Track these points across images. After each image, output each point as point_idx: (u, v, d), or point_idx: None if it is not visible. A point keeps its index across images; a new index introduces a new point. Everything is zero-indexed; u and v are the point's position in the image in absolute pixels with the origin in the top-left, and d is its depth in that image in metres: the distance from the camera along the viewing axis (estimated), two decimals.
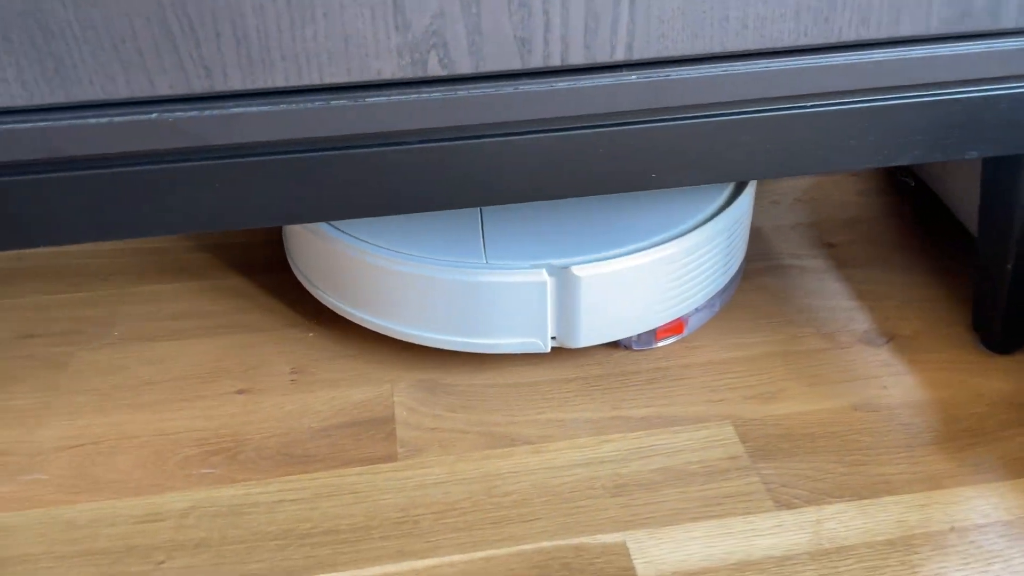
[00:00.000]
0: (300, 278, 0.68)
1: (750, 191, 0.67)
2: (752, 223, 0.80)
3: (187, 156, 0.46)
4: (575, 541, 0.50)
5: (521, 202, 0.51)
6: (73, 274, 0.75)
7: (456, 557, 0.50)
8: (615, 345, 0.65)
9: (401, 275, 0.60)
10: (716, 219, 0.63)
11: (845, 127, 0.51)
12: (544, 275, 0.58)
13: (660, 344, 0.65)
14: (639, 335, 0.64)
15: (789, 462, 0.55)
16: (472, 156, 0.48)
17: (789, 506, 0.52)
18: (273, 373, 0.63)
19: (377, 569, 0.49)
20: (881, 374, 0.62)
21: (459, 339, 0.61)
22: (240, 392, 0.62)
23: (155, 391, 0.62)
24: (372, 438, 0.58)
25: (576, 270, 0.58)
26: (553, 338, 0.61)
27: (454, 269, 0.59)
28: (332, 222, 0.62)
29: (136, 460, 0.56)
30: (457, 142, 0.47)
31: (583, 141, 0.48)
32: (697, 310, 0.65)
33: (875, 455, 0.56)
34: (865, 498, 0.53)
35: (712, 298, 0.66)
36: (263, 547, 0.50)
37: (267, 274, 0.73)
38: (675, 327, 0.65)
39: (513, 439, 0.58)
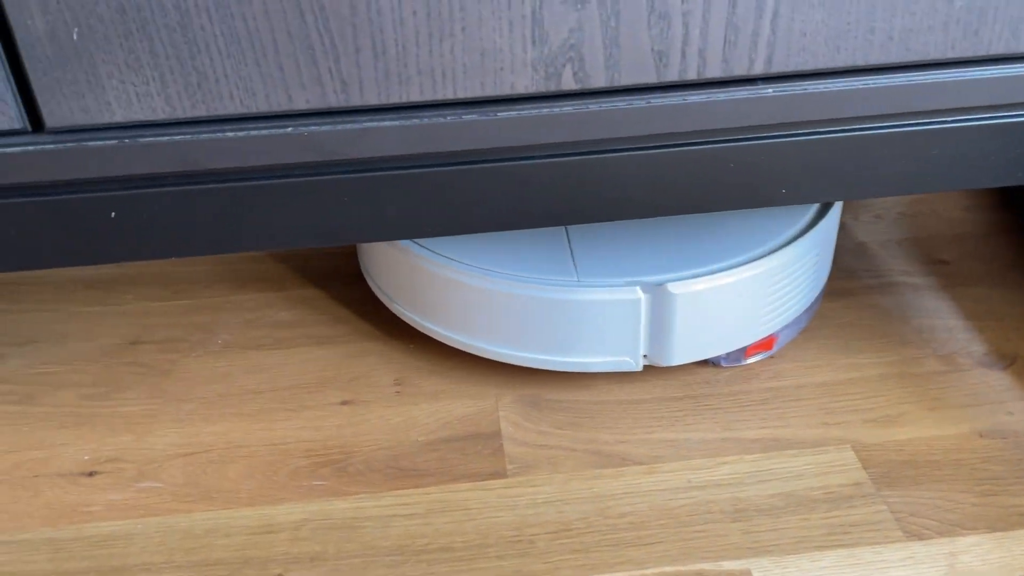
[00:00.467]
0: (379, 295, 0.68)
1: (838, 206, 0.66)
2: (856, 238, 0.77)
3: (318, 170, 0.46)
4: (697, 567, 0.49)
5: (649, 217, 0.50)
6: (174, 282, 0.76)
7: None
8: (704, 362, 0.63)
9: (489, 293, 0.59)
10: (809, 234, 0.62)
11: (986, 142, 0.49)
12: (638, 292, 0.57)
13: (749, 361, 0.64)
14: (729, 352, 0.62)
15: (916, 490, 0.53)
16: (601, 170, 0.47)
17: (920, 537, 0.50)
18: (376, 384, 0.63)
19: None
20: (1005, 399, 0.60)
21: (548, 357, 0.60)
22: (344, 403, 0.62)
23: (260, 400, 0.62)
24: (480, 453, 0.57)
25: (671, 287, 0.57)
26: (644, 356, 0.60)
27: (545, 287, 0.58)
28: (417, 240, 0.62)
29: (246, 470, 0.57)
30: (586, 156, 0.46)
31: (713, 155, 0.47)
32: (786, 327, 0.63)
33: (1007, 485, 0.53)
34: (1000, 530, 0.50)
35: (800, 315, 0.64)
36: (379, 562, 0.50)
37: (363, 285, 0.74)
38: (765, 344, 0.63)
39: (623, 458, 0.56)
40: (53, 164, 0.43)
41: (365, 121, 0.44)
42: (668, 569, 0.49)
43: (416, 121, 0.44)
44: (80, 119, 0.42)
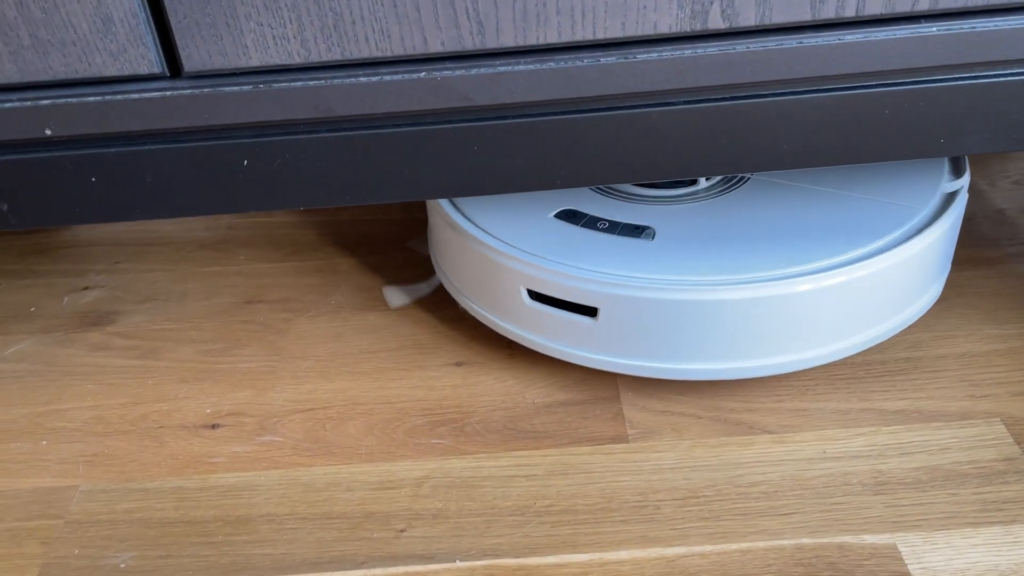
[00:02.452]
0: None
1: (967, 175, 0.60)
2: (995, 205, 0.72)
3: (448, 118, 0.44)
4: (838, 540, 0.46)
5: (795, 167, 0.47)
6: (285, 244, 0.76)
7: (707, 548, 0.47)
8: None
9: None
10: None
11: None
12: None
13: None
14: None
15: None
16: (745, 117, 0.44)
17: None
18: (489, 347, 0.62)
19: (623, 554, 0.47)
20: None
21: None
22: (458, 364, 0.61)
23: (374, 360, 0.62)
24: (599, 417, 0.56)
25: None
26: None
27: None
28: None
29: (364, 427, 0.56)
30: (730, 102, 0.44)
31: (868, 101, 0.44)
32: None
33: None
34: None
35: None
36: (501, 521, 0.49)
37: None
38: None
39: (751, 427, 0.54)
40: (189, 110, 0.43)
41: (499, 65, 0.43)
42: (807, 541, 0.46)
43: (552, 65, 0.43)
44: (217, 63, 0.42)
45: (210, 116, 0.44)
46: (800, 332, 0.53)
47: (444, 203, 0.60)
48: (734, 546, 0.47)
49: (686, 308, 0.52)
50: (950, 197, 0.58)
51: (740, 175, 0.61)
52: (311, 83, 0.43)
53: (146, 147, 0.45)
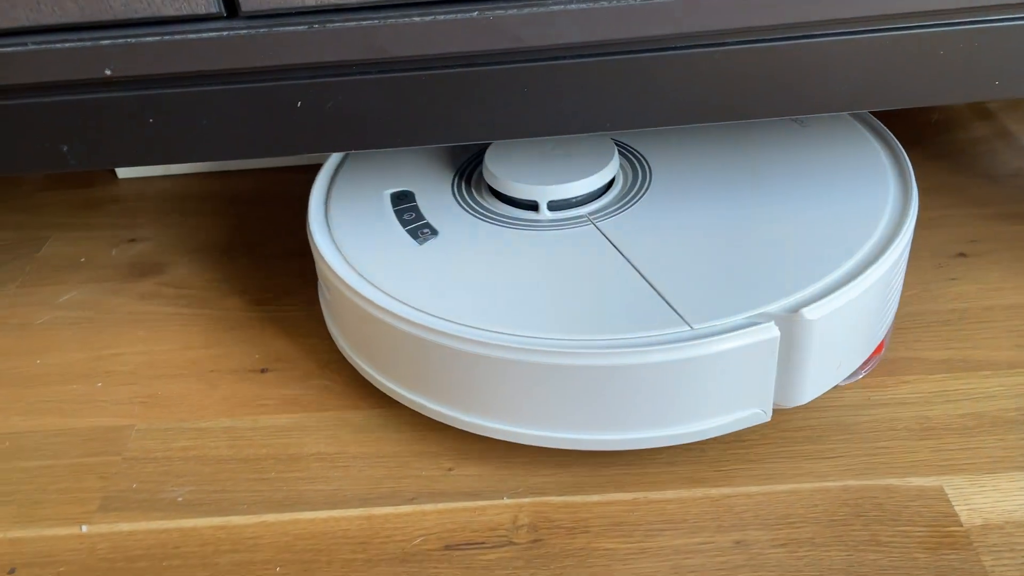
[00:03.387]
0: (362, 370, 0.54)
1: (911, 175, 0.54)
2: None
3: (500, 59, 0.45)
4: (884, 482, 0.47)
5: (856, 109, 0.46)
6: None
7: (753, 488, 0.47)
8: None
9: (569, 370, 0.44)
10: (911, 210, 0.50)
11: None
12: (775, 329, 0.44)
13: (864, 374, 0.53)
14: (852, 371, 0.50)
15: None
16: (802, 57, 0.44)
17: None
18: None
19: (669, 493, 0.47)
20: None
21: (649, 435, 0.46)
22: None
23: None
24: None
25: (807, 313, 0.44)
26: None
27: (652, 349, 0.43)
28: (428, 309, 0.48)
29: None
30: (785, 42, 0.44)
31: (923, 40, 0.43)
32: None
33: None
34: None
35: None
36: (546, 462, 0.50)
37: None
38: (878, 348, 0.52)
39: None
40: (245, 50, 0.44)
41: (552, 5, 0.43)
42: (853, 483, 0.47)
43: (605, 4, 0.43)
44: (274, 3, 0.43)
45: (265, 57, 0.44)
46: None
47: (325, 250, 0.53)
48: (780, 487, 0.47)
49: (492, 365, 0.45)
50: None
51: (634, 197, 0.54)
52: (365, 23, 0.43)
53: (202, 88, 0.46)
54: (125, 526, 0.48)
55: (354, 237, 0.54)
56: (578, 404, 0.46)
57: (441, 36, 0.44)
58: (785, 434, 0.50)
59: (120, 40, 0.44)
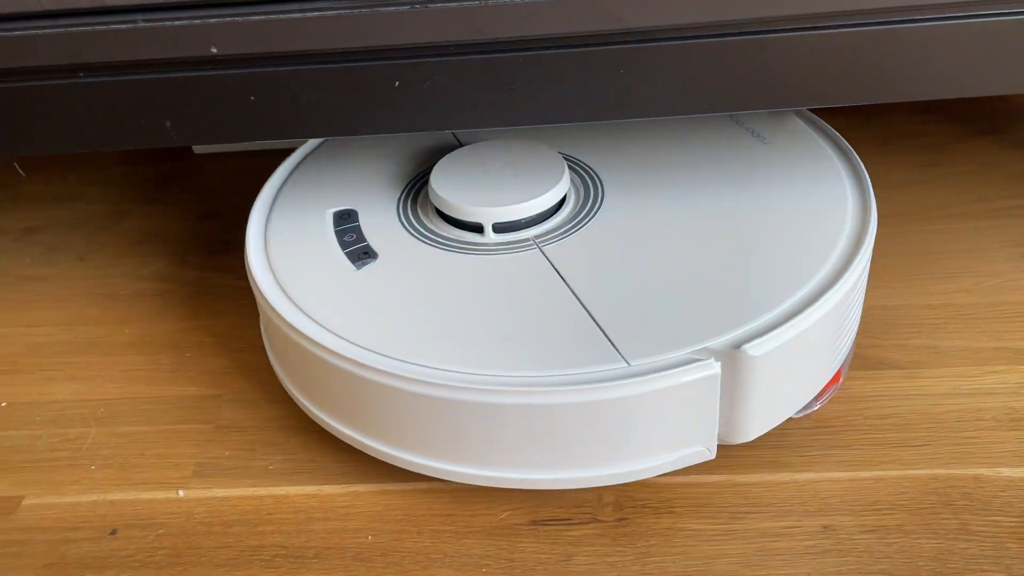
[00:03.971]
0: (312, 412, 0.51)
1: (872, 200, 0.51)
2: None
3: (599, 40, 0.45)
4: (973, 472, 0.46)
5: (923, 97, 0.45)
6: None
7: (838, 474, 0.47)
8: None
9: (503, 409, 0.42)
10: (867, 239, 0.48)
11: None
12: (715, 366, 0.42)
13: (819, 405, 0.50)
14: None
15: None
16: (901, 42, 0.44)
17: None
18: None
19: (754, 477, 0.48)
20: None
21: (589, 473, 0.44)
22: None
23: None
24: None
25: (750, 349, 0.42)
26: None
27: (586, 387, 0.41)
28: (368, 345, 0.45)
29: None
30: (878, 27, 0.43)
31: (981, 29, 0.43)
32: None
33: None
34: None
35: None
36: None
37: None
38: (835, 377, 0.50)
39: (879, 362, 0.54)
40: (347, 30, 0.45)
41: None
42: (941, 472, 0.47)
43: None
44: None
45: (366, 37, 0.45)
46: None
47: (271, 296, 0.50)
48: (866, 474, 0.47)
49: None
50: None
51: (584, 219, 0.52)
52: (466, 4, 0.44)
53: (304, 67, 0.46)
54: (220, 492, 0.50)
55: (290, 258, 0.52)
56: (508, 442, 0.44)
57: (542, 17, 0.44)
58: (869, 421, 0.50)
59: (227, 19, 0.45)
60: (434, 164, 0.55)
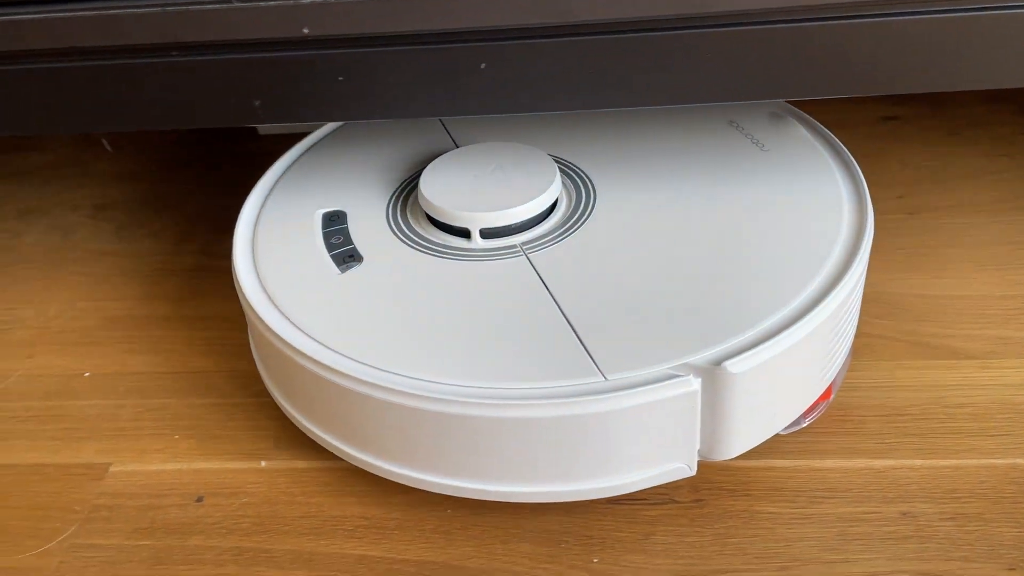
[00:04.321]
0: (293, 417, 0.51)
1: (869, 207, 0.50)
2: None
3: (685, 24, 0.45)
4: None
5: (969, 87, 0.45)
6: None
7: (917, 462, 0.47)
8: None
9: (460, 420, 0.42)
10: (860, 252, 0.46)
11: None
12: (694, 382, 0.41)
13: (808, 421, 0.49)
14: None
15: None
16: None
17: None
18: None
19: (829, 462, 0.48)
20: None
21: (567, 488, 0.44)
22: None
23: None
24: None
25: (730, 366, 0.41)
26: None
27: (560, 401, 0.41)
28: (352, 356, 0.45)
29: None
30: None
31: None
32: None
33: None
34: None
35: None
36: None
37: None
38: (825, 394, 0.49)
39: (954, 352, 0.54)
40: (434, 12, 0.45)
41: None
42: (1021, 462, 0.47)
43: None
44: None
45: (454, 19, 0.46)
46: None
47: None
48: (944, 462, 0.47)
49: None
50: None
51: (574, 226, 0.51)
52: None
53: (391, 48, 0.47)
54: (301, 463, 0.51)
55: (275, 258, 0.52)
56: (480, 455, 0.43)
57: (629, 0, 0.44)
58: (946, 410, 0.50)
59: (319, 0, 0.46)
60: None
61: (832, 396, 0.50)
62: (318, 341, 0.46)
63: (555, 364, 0.43)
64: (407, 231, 0.53)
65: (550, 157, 0.54)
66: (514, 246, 0.50)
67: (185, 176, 0.81)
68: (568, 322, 0.45)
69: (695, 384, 0.41)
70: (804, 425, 0.49)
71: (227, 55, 0.48)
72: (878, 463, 0.48)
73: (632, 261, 0.48)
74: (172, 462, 0.52)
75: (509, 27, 0.46)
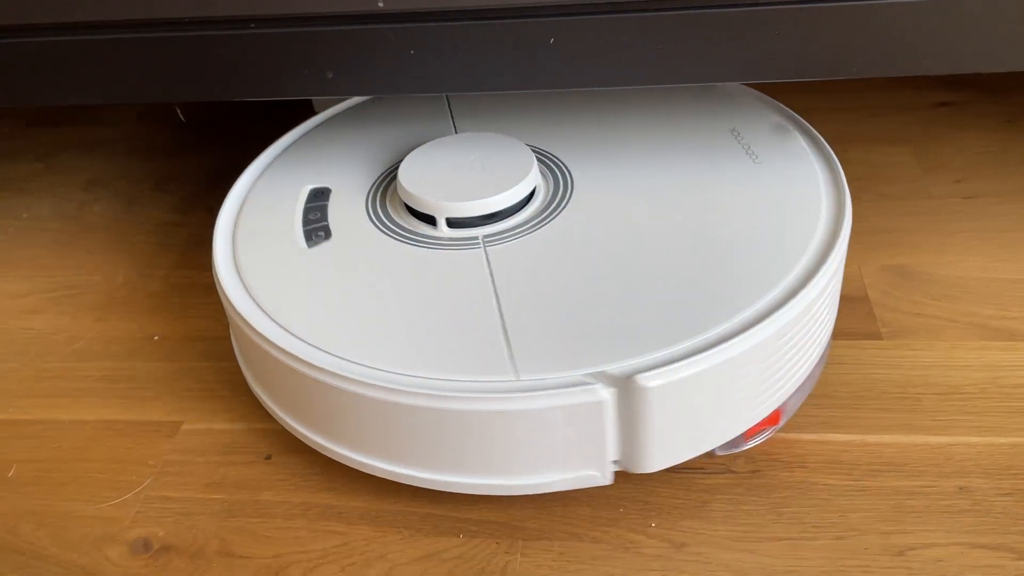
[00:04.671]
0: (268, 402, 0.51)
1: (847, 226, 0.48)
2: None
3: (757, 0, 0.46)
4: None
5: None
6: None
7: (974, 439, 0.48)
8: None
9: (379, 404, 0.43)
10: (816, 280, 0.44)
11: None
12: (601, 392, 0.41)
13: (750, 444, 0.48)
14: (724, 443, 0.46)
15: None
16: None
17: None
18: None
19: (886, 437, 0.48)
20: None
21: (480, 481, 0.44)
22: None
23: None
24: (849, 315, 0.57)
25: (642, 380, 0.40)
26: (615, 461, 0.44)
27: (469, 395, 0.41)
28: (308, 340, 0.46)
29: None
30: None
31: None
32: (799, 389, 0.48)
33: None
34: None
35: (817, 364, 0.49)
36: None
37: None
38: (772, 419, 0.47)
39: (1012, 334, 0.54)
40: None
41: None
42: None
43: None
44: None
45: None
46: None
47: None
48: (1002, 440, 0.47)
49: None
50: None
51: (542, 221, 0.51)
52: None
53: (461, 23, 0.48)
54: None
55: (255, 225, 0.54)
56: (399, 439, 0.44)
57: None
58: (1004, 390, 0.50)
59: None
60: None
61: (781, 422, 0.48)
62: (262, 309, 0.48)
63: (477, 359, 0.43)
64: (382, 214, 0.54)
65: (533, 153, 0.54)
66: (475, 238, 0.51)
67: (250, 152, 0.83)
68: (502, 319, 0.45)
69: (603, 393, 0.40)
70: (745, 448, 0.48)
71: (304, 27, 0.49)
72: (934, 439, 0.48)
73: (585, 263, 0.48)
74: (240, 421, 0.54)
75: (577, 3, 0.47)
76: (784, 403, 0.47)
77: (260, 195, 0.57)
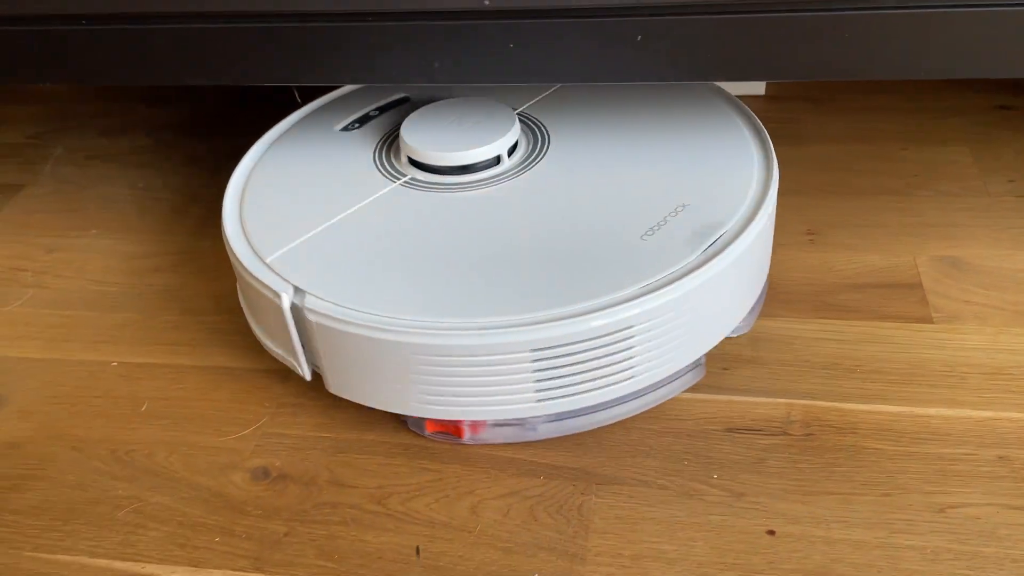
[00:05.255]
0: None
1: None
2: None
3: (826, 6, 0.50)
4: None
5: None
6: None
7: (1016, 415, 0.52)
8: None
9: None
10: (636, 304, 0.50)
11: None
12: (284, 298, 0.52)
13: (437, 439, 0.54)
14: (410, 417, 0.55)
15: None
16: None
17: None
18: (788, 232, 0.69)
19: (932, 410, 0.53)
20: None
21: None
22: None
23: None
24: (903, 300, 0.61)
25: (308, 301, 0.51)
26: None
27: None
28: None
29: None
30: None
31: None
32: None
33: None
34: None
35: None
36: (813, 373, 0.56)
37: None
38: (455, 429, 0.54)
39: None
40: None
41: None
42: None
43: None
44: None
45: None
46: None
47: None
48: None
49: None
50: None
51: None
52: None
53: (560, 20, 0.54)
54: None
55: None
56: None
57: None
58: None
59: None
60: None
61: (465, 436, 0.54)
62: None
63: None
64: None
65: (517, 117, 0.63)
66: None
67: None
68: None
69: (285, 301, 0.52)
70: (426, 435, 0.54)
71: (415, 21, 0.55)
72: (978, 413, 0.52)
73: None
74: None
75: (664, 4, 0.52)
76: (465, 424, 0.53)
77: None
